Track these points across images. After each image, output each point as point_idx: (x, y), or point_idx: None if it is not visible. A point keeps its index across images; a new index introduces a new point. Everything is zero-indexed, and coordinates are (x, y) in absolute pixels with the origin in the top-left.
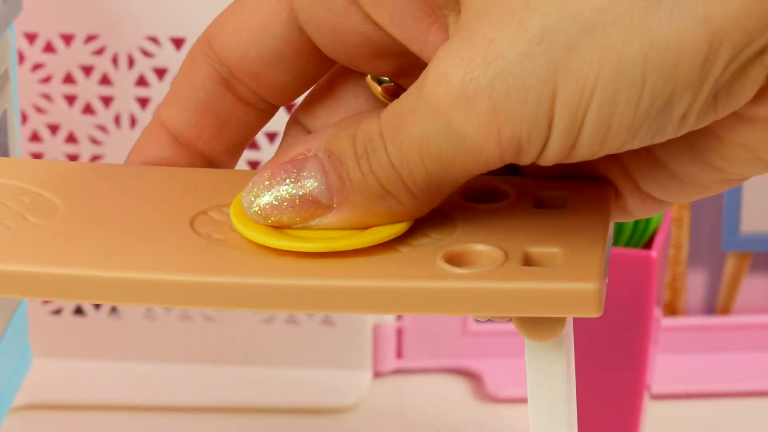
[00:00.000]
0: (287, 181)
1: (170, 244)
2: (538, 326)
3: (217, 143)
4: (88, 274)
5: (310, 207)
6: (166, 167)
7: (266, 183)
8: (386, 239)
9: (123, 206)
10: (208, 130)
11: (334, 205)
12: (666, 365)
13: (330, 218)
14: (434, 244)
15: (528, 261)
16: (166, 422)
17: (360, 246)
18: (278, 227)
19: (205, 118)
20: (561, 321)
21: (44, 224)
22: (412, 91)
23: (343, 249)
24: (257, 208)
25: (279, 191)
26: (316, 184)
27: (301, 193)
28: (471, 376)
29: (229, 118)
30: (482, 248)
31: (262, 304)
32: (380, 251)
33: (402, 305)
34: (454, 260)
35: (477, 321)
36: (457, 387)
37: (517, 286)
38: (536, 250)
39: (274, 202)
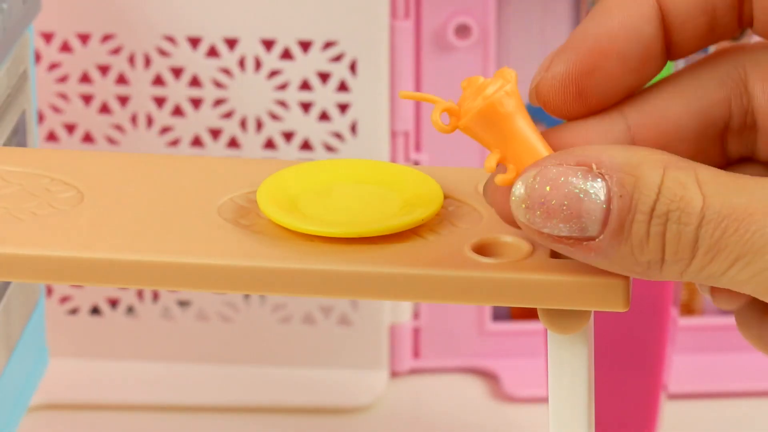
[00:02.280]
0: (565, 199)
1: (198, 229)
2: (563, 319)
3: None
4: (118, 258)
5: (575, 226)
6: (190, 156)
7: (545, 187)
8: (414, 225)
9: (149, 194)
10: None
11: (597, 240)
12: (683, 365)
13: (578, 250)
14: (461, 234)
15: (555, 253)
16: (182, 422)
17: (387, 232)
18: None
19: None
20: (586, 314)
21: (71, 211)
22: None
23: (371, 234)
24: (523, 213)
25: (552, 207)
26: (591, 218)
27: (574, 213)
28: (488, 376)
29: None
30: (510, 239)
31: (289, 289)
32: (407, 238)
33: (429, 293)
34: (481, 250)
35: (494, 321)
36: (474, 387)
37: (545, 277)
38: None
39: (546, 217)
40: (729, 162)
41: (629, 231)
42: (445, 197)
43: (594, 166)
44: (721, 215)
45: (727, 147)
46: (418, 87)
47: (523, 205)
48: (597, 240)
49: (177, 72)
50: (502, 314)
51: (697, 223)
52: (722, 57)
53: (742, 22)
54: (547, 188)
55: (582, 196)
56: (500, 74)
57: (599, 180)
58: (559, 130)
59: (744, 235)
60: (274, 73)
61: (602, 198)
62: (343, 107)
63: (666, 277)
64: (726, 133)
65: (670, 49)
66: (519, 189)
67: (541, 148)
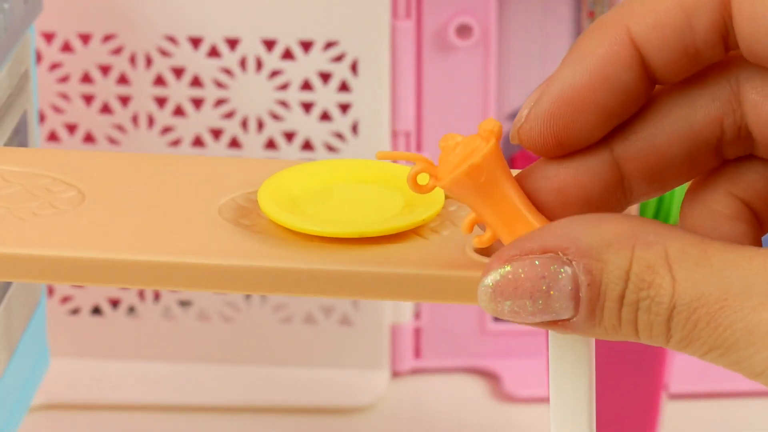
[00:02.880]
0: (532, 292)
1: (199, 229)
2: None
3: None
4: (119, 258)
5: (546, 315)
6: (191, 156)
7: (510, 279)
8: (415, 225)
9: (150, 194)
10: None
11: (572, 321)
12: (684, 364)
13: (556, 328)
14: (462, 234)
15: None
16: (183, 422)
17: (388, 232)
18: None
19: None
20: None
21: (72, 211)
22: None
23: (372, 234)
24: (493, 306)
25: (521, 299)
26: (563, 305)
27: (545, 308)
28: (489, 376)
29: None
30: None
31: (290, 289)
32: (409, 238)
33: (430, 293)
34: (482, 250)
35: (495, 321)
36: (475, 387)
37: None
38: None
39: (515, 309)
40: (726, 162)
41: (601, 317)
42: (446, 197)
43: (560, 253)
44: (691, 307)
45: (722, 153)
46: (419, 87)
47: (490, 298)
48: (572, 321)
49: (178, 72)
50: None
51: (667, 315)
52: (713, 71)
53: (727, 50)
54: (514, 280)
55: (550, 286)
56: (482, 129)
57: (566, 267)
58: (545, 168)
59: (716, 329)
60: (275, 73)
61: (570, 287)
62: (344, 107)
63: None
64: (720, 145)
65: (654, 83)
66: (486, 282)
67: (520, 211)
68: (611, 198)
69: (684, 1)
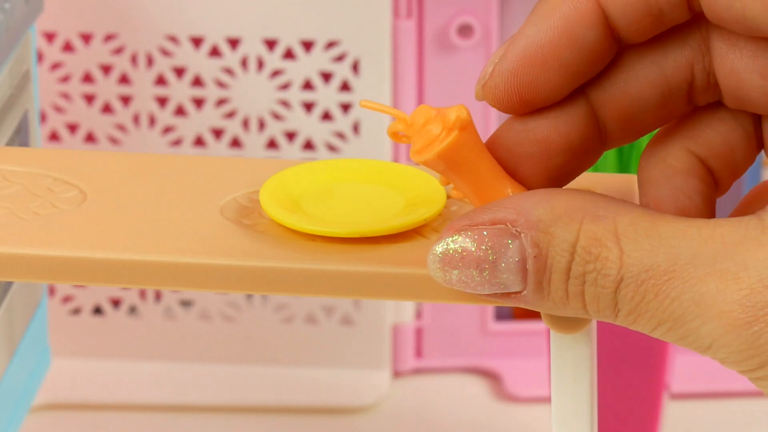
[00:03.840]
0: (479, 262)
1: (200, 228)
2: (566, 319)
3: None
4: (120, 258)
5: (495, 286)
6: (193, 156)
7: (458, 249)
8: (416, 225)
9: (152, 194)
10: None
11: (522, 294)
12: (685, 364)
13: (506, 301)
14: None
15: None
16: (184, 422)
17: (389, 232)
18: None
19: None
20: None
21: (73, 211)
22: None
23: (373, 234)
24: (442, 275)
25: (468, 269)
26: (510, 277)
27: (492, 278)
28: (490, 376)
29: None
30: None
31: (292, 289)
32: (408, 238)
33: (432, 293)
34: None
35: (497, 320)
36: (477, 387)
37: None
38: None
39: (463, 278)
40: (696, 109)
41: (548, 289)
42: (448, 197)
43: (509, 225)
44: (639, 279)
45: (694, 99)
46: (420, 86)
47: (439, 267)
48: (522, 294)
49: (179, 72)
50: (505, 314)
51: (614, 287)
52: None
53: (692, 12)
54: (462, 251)
55: (497, 257)
56: (448, 119)
57: (515, 240)
58: (525, 121)
59: (663, 301)
60: (276, 73)
61: (517, 258)
62: (345, 107)
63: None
64: (691, 91)
65: (619, 43)
66: (436, 250)
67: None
68: (591, 144)
69: None
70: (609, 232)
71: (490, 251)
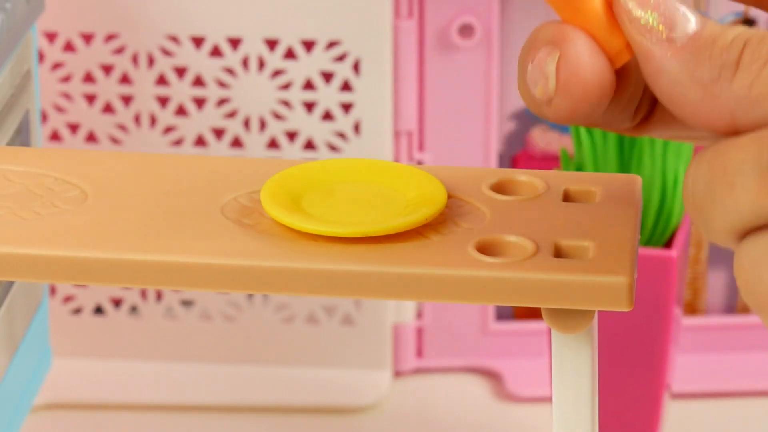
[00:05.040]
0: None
1: (201, 228)
2: (567, 318)
3: None
4: (121, 258)
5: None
6: (194, 156)
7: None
8: (417, 225)
9: (153, 193)
10: None
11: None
12: (686, 364)
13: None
14: (465, 234)
15: (558, 253)
16: (185, 422)
17: (390, 231)
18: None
19: None
20: (589, 314)
21: (75, 211)
22: None
23: (374, 234)
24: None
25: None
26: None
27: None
28: (491, 376)
29: None
30: (513, 239)
31: (292, 288)
32: (411, 238)
33: (433, 292)
34: (485, 249)
35: (498, 320)
36: (478, 386)
37: (548, 277)
38: (567, 242)
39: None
40: None
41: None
42: (449, 197)
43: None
44: None
45: None
46: (421, 87)
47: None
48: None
49: (180, 72)
50: (506, 314)
51: None
52: None
53: None
54: None
55: None
56: None
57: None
58: None
59: None
60: (277, 73)
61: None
62: (346, 107)
63: (730, 94)
64: None
65: None
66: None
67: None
68: None
69: None
70: None
71: None
